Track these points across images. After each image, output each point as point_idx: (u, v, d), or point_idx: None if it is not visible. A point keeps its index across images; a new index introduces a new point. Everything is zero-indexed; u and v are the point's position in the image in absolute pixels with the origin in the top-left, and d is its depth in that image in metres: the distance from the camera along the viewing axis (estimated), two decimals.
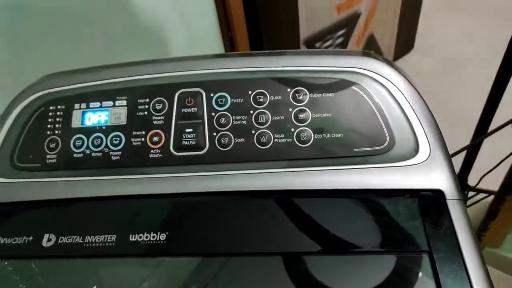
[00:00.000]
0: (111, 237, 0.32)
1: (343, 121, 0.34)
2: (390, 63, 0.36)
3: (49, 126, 0.37)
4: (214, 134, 0.35)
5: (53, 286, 0.33)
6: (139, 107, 0.36)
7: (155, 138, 0.35)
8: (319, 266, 0.30)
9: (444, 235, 0.30)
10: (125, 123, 0.36)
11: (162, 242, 0.32)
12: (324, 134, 0.34)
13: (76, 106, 0.37)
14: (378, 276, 0.29)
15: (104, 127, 0.36)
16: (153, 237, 0.32)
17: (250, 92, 0.35)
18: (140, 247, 0.32)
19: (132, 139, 0.36)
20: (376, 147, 0.34)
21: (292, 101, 0.35)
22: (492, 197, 0.94)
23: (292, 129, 0.34)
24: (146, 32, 0.96)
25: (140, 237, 0.32)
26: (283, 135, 0.34)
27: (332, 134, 0.34)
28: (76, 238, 0.33)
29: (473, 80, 1.59)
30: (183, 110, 0.36)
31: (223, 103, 0.35)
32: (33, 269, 0.33)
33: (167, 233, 0.32)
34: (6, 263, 0.33)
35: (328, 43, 1.46)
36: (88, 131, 0.36)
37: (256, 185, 0.34)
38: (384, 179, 0.33)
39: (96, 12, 0.84)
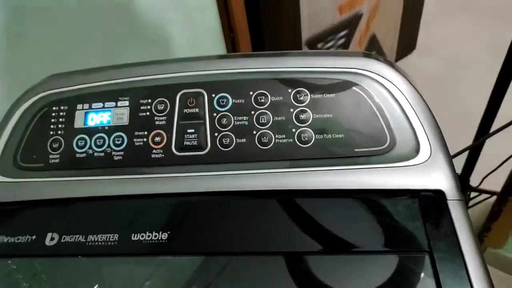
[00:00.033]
0: (113, 236, 0.33)
1: (344, 121, 0.34)
2: (391, 64, 0.36)
3: (52, 126, 0.37)
4: (216, 134, 0.35)
5: (56, 285, 0.33)
6: (141, 107, 0.36)
7: (157, 138, 0.36)
8: (320, 265, 0.30)
9: (444, 235, 0.30)
10: (127, 123, 0.36)
11: (164, 241, 0.32)
12: (325, 135, 0.34)
13: (79, 106, 0.37)
14: (378, 276, 0.29)
15: (106, 128, 0.36)
16: (155, 236, 0.32)
17: (251, 93, 0.35)
18: (142, 246, 0.32)
19: (134, 139, 0.36)
20: (377, 148, 0.34)
21: (293, 101, 0.35)
22: (494, 197, 0.94)
23: (293, 130, 0.34)
24: (148, 33, 0.97)
25: (142, 236, 0.32)
26: (284, 136, 0.34)
27: (333, 135, 0.34)
28: (78, 237, 0.33)
29: (474, 80, 1.59)
30: (185, 110, 0.36)
31: (224, 103, 0.36)
32: (36, 268, 0.33)
33: (168, 232, 0.32)
34: (9, 261, 0.33)
35: (330, 44, 1.46)
36: (90, 131, 0.36)
37: (257, 185, 0.34)
38: (385, 179, 0.33)
39: (98, 13, 0.85)
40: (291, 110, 0.35)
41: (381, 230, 0.31)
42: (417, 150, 0.34)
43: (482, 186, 0.98)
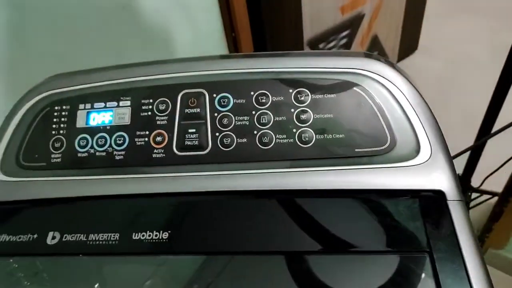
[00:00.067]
0: (114, 235, 0.33)
1: (345, 122, 0.34)
2: (392, 65, 0.36)
3: (54, 126, 0.37)
4: (217, 134, 0.35)
5: (57, 284, 0.33)
6: (143, 107, 0.36)
7: (159, 138, 0.36)
8: (320, 265, 0.30)
9: (444, 236, 0.30)
10: (129, 123, 0.36)
11: (164, 240, 0.32)
12: (325, 135, 0.34)
13: (81, 106, 0.37)
14: (378, 275, 0.29)
15: (108, 127, 0.37)
16: (156, 235, 0.32)
17: (252, 93, 0.35)
18: (143, 245, 0.32)
19: (136, 139, 0.36)
20: (378, 148, 0.34)
21: (294, 102, 0.35)
22: (496, 198, 0.94)
23: (294, 130, 0.35)
24: (150, 33, 0.97)
25: (143, 235, 0.32)
26: (285, 136, 0.35)
27: (333, 135, 0.34)
28: (80, 236, 0.33)
29: (476, 80, 1.59)
30: (186, 110, 0.36)
31: (225, 103, 0.36)
32: (38, 267, 0.33)
33: (169, 231, 0.33)
34: (11, 260, 0.34)
35: (331, 44, 1.46)
36: (92, 131, 0.37)
37: (258, 185, 0.34)
38: (385, 180, 0.33)
39: (101, 15, 0.85)
40: (292, 110, 0.35)
41: (381, 230, 0.31)
42: (417, 151, 0.34)
43: (483, 187, 0.98)
